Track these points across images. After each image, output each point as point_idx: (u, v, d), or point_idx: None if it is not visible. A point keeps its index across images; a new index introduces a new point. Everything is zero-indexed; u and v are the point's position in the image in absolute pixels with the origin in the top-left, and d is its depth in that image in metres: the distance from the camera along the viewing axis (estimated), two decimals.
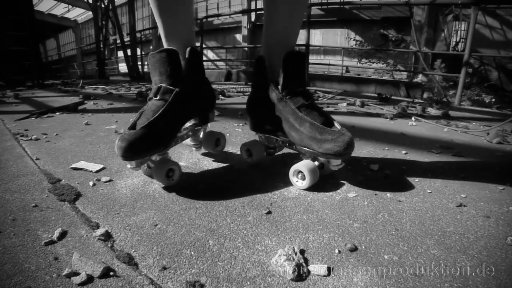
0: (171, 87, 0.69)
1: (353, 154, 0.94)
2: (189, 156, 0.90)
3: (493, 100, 3.73)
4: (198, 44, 5.27)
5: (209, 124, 0.88)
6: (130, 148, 0.60)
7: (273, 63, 0.76)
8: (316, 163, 0.70)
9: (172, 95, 0.69)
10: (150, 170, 0.71)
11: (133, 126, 0.65)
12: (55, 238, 0.48)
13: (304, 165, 0.67)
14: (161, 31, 0.74)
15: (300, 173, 0.68)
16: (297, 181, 0.69)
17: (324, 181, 0.73)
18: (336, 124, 0.71)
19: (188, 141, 0.88)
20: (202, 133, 0.88)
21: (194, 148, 0.90)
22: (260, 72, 0.77)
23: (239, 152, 0.94)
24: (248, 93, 2.81)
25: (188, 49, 0.73)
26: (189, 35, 0.76)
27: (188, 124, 0.82)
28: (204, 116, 0.83)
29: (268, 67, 0.77)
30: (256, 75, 0.79)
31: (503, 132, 1.32)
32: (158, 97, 0.69)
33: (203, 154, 0.93)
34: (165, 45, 0.75)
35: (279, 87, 0.74)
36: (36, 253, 0.45)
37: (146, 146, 0.63)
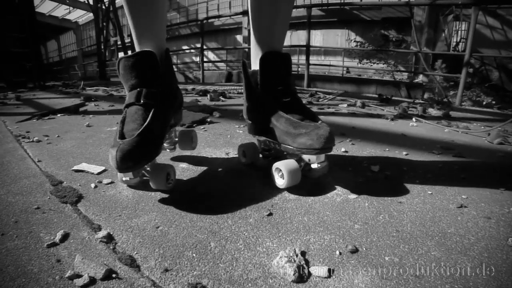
0: (153, 89, 0.67)
1: (354, 155, 0.95)
2: (190, 159, 0.90)
3: (494, 102, 3.73)
4: (199, 45, 5.28)
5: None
6: (131, 157, 0.57)
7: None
8: (298, 163, 0.67)
9: (158, 98, 0.67)
10: (141, 180, 0.69)
11: (122, 136, 0.62)
12: (58, 240, 0.49)
13: (283, 163, 0.65)
14: (134, 32, 0.72)
15: (280, 171, 0.66)
16: (277, 179, 0.67)
17: (324, 183, 0.73)
18: (318, 118, 0.69)
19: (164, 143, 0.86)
20: (174, 133, 0.88)
21: (168, 150, 0.88)
22: (245, 76, 0.79)
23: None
24: None
25: (164, 50, 0.72)
26: (162, 36, 0.75)
27: None
28: (178, 116, 0.83)
29: (253, 70, 0.78)
30: (244, 79, 0.80)
31: (504, 132, 1.32)
32: (141, 102, 0.66)
33: (205, 156, 0.93)
34: (138, 48, 0.72)
35: (259, 87, 0.75)
36: (39, 255, 0.45)
37: (145, 153, 0.60)
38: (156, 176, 0.64)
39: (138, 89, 0.67)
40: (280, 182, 0.66)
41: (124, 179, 0.65)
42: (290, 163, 0.66)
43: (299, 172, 0.66)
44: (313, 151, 0.62)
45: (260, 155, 0.85)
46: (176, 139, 0.88)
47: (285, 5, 0.76)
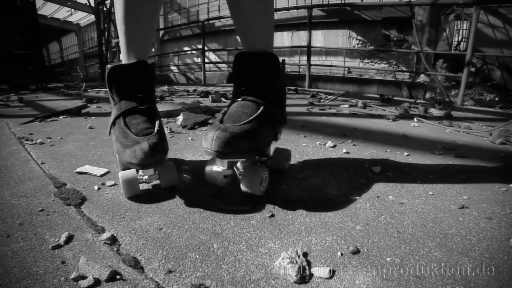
0: (149, 95, 0.72)
1: (356, 156, 0.95)
2: (192, 161, 0.91)
3: (497, 98, 3.71)
4: (200, 46, 5.29)
5: None
6: (162, 149, 0.61)
7: None
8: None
9: (155, 102, 0.73)
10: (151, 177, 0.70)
11: (136, 136, 0.64)
12: (62, 242, 0.49)
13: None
14: (124, 44, 0.71)
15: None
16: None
17: (325, 184, 0.73)
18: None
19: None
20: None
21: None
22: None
23: None
24: None
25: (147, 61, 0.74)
26: (149, 49, 0.77)
27: None
28: None
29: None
30: None
31: (506, 132, 1.31)
32: (144, 106, 0.69)
33: (207, 158, 0.93)
34: (126, 58, 0.72)
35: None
36: (44, 257, 0.46)
37: (167, 146, 0.65)
38: (171, 170, 0.68)
39: (139, 95, 0.70)
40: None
41: (145, 178, 0.67)
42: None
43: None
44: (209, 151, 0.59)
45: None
46: None
47: (266, 9, 0.74)
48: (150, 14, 0.71)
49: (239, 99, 0.70)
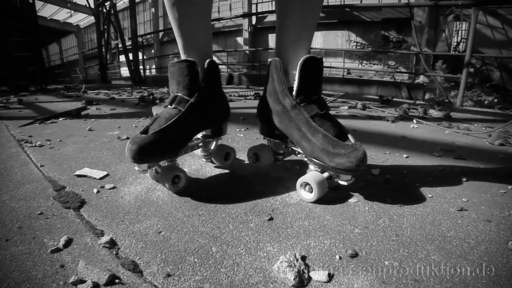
0: (186, 97, 0.71)
1: None
2: (191, 163, 0.91)
3: (495, 100, 3.72)
4: None
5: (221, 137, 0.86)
6: (140, 151, 0.63)
7: (285, 68, 0.75)
8: (325, 174, 0.67)
9: (187, 105, 0.70)
10: (157, 176, 0.73)
11: (145, 131, 0.67)
12: (61, 246, 0.49)
13: (312, 177, 0.65)
14: (179, 42, 0.75)
15: (308, 185, 0.66)
16: (305, 193, 0.67)
17: None
18: (350, 137, 0.68)
19: (199, 151, 0.87)
20: (213, 145, 0.87)
21: (204, 160, 0.90)
22: (277, 78, 0.74)
23: (241, 158, 0.94)
24: (250, 97, 2.81)
25: (207, 61, 0.74)
26: (207, 48, 0.78)
27: (199, 135, 0.83)
28: (216, 129, 0.82)
29: (287, 74, 0.74)
30: (274, 80, 0.76)
31: (506, 133, 1.32)
32: (173, 106, 0.71)
33: (206, 160, 0.93)
34: (183, 57, 0.76)
35: (294, 93, 0.71)
36: (43, 261, 0.46)
37: (155, 151, 0.65)
38: (164, 176, 0.68)
39: (175, 94, 0.72)
40: (309, 196, 0.66)
41: (136, 168, 0.68)
42: (318, 176, 0.65)
43: (326, 183, 0.66)
44: (349, 172, 0.62)
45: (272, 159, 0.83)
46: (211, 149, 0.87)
47: (317, 8, 0.75)
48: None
49: (324, 113, 0.70)
